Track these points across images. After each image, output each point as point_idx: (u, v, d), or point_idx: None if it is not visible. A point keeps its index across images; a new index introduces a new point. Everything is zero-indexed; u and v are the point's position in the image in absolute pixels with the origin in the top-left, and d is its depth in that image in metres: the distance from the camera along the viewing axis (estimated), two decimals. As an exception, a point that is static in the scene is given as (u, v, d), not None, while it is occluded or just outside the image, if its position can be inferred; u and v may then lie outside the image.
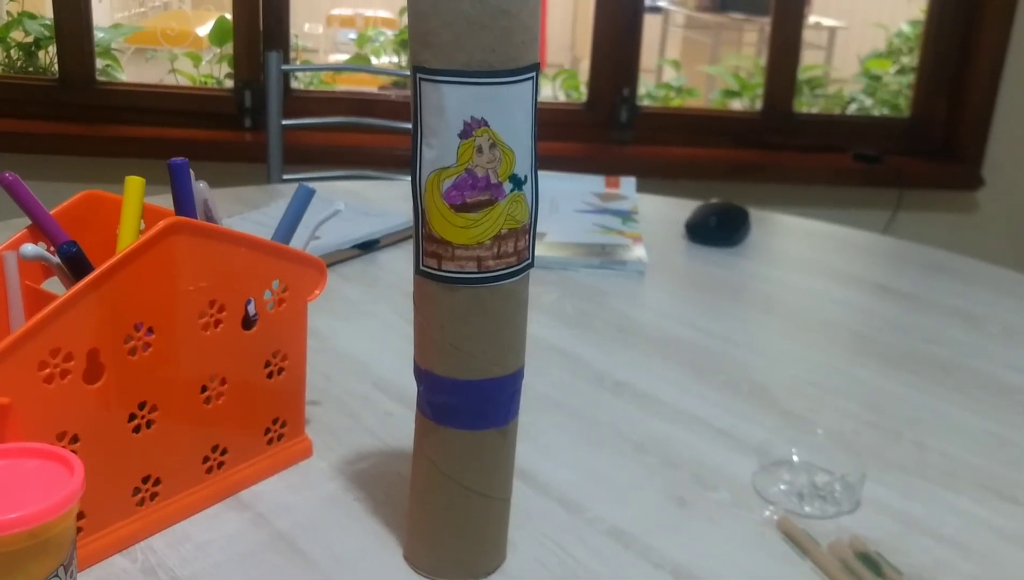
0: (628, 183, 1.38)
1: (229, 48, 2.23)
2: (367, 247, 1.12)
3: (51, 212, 0.63)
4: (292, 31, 2.18)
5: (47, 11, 2.15)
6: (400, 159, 2.07)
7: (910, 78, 2.51)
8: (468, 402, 0.54)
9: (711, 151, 2.25)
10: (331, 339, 0.89)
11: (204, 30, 2.78)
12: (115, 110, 2.12)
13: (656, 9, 4.34)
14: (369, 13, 3.99)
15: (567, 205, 1.29)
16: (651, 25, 3.72)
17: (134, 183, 0.62)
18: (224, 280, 0.60)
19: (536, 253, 0.55)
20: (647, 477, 0.70)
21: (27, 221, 0.63)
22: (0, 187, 0.61)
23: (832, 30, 4.04)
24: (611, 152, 2.20)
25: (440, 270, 0.52)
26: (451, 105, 0.49)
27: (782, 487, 0.69)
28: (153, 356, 0.57)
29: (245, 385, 0.63)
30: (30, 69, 2.37)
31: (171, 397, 0.59)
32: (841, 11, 4.17)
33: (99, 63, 2.17)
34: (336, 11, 4.16)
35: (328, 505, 0.64)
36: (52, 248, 0.62)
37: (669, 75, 3.73)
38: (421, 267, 0.53)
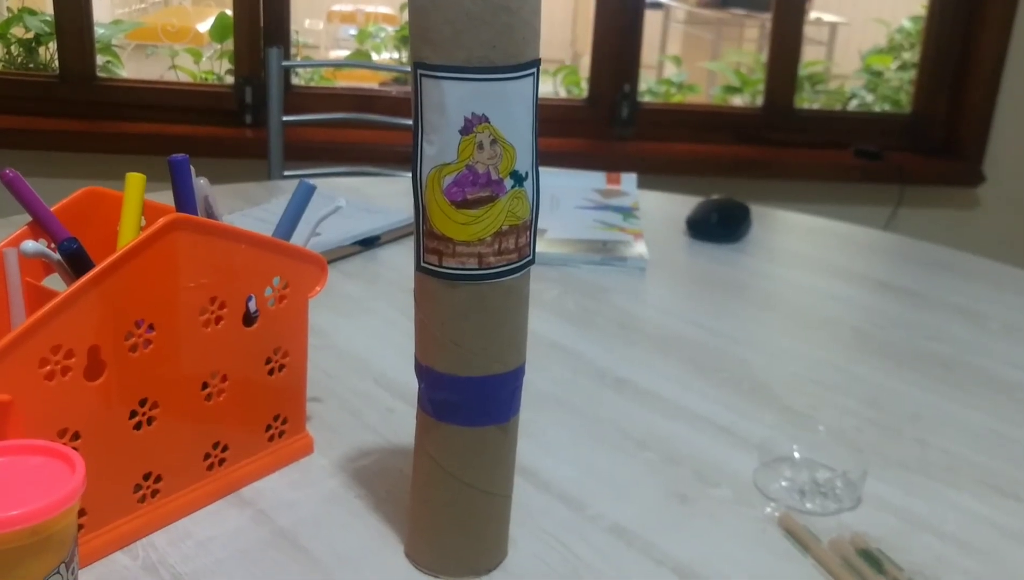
0: (629, 179, 1.38)
1: (230, 44, 2.23)
2: (368, 244, 1.12)
3: (52, 209, 0.63)
4: (293, 27, 2.18)
5: (47, 7, 2.14)
6: (401, 155, 2.07)
7: (911, 74, 2.51)
8: (469, 399, 0.54)
9: (712, 147, 2.24)
10: (332, 336, 0.89)
11: (205, 26, 2.78)
12: (115, 106, 2.12)
13: (657, 5, 4.34)
14: (370, 9, 3.98)
15: (568, 201, 1.29)
16: (652, 21, 3.72)
17: (135, 180, 0.62)
18: (225, 277, 0.60)
19: (537, 249, 0.55)
20: (648, 474, 0.70)
21: (28, 218, 0.63)
22: (1, 184, 0.61)
23: (833, 26, 4.03)
24: (612, 148, 2.20)
25: (441, 267, 0.52)
26: (452, 101, 0.49)
27: (783, 484, 0.69)
28: (154, 353, 0.57)
29: (246, 382, 0.63)
30: (30, 65, 2.37)
31: (172, 394, 0.59)
32: (842, 7, 4.16)
33: (99, 59, 2.17)
34: (337, 7, 4.15)
35: (329, 502, 0.64)
36: (53, 245, 0.62)
37: (670, 71, 3.72)
38: (422, 264, 0.53)
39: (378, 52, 3.11)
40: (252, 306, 0.63)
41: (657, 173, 2.10)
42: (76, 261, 0.58)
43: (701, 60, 4.21)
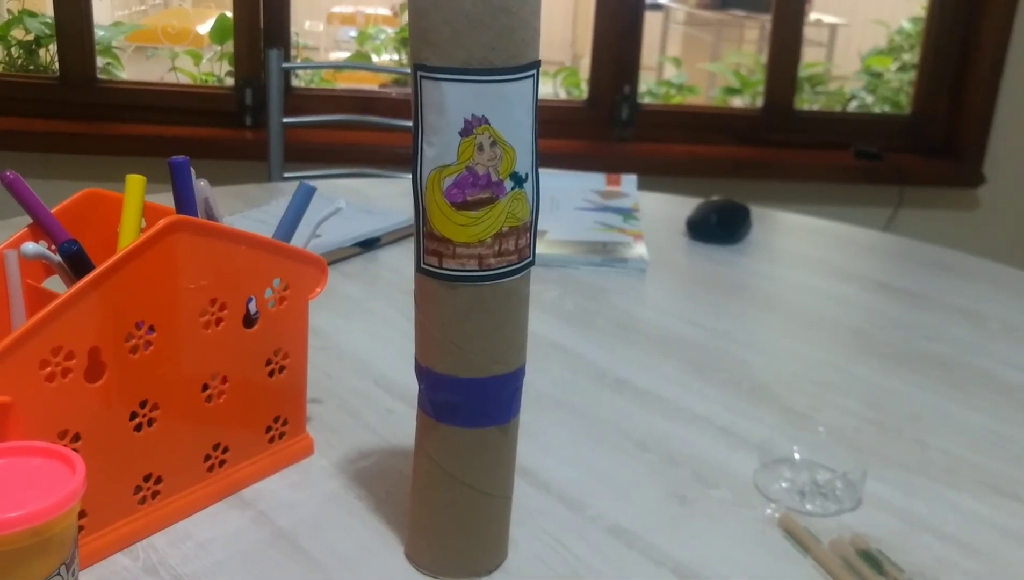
0: (629, 181, 1.38)
1: (230, 46, 2.23)
2: (368, 245, 1.12)
3: (52, 210, 0.63)
4: (293, 29, 2.18)
5: (48, 9, 2.15)
6: (401, 157, 2.07)
7: (911, 75, 2.51)
8: (469, 400, 0.54)
9: (712, 148, 2.25)
10: (332, 337, 0.89)
11: (205, 28, 2.78)
12: (116, 108, 2.12)
13: (657, 6, 4.34)
14: (370, 11, 3.98)
15: (568, 203, 1.29)
16: (652, 22, 3.72)
17: (135, 181, 0.62)
18: (225, 278, 0.60)
19: (537, 251, 0.55)
20: (648, 475, 0.70)
21: (28, 220, 0.63)
22: (1, 185, 0.61)
23: (833, 27, 4.03)
24: (612, 150, 2.20)
25: (441, 268, 0.52)
26: (452, 103, 0.49)
27: (783, 485, 0.69)
28: (154, 354, 0.57)
29: (246, 383, 0.63)
30: (31, 67, 2.37)
31: (172, 395, 0.59)
32: (842, 8, 4.17)
33: (100, 61, 2.17)
34: (337, 9, 4.16)
35: (329, 503, 0.64)
36: (53, 246, 0.62)
37: (670, 72, 3.73)
38: (422, 265, 0.53)
39: (378, 54, 3.12)
40: (252, 308, 0.63)
41: (657, 174, 2.10)
42: (76, 263, 0.58)
43: (701, 61, 4.21)
